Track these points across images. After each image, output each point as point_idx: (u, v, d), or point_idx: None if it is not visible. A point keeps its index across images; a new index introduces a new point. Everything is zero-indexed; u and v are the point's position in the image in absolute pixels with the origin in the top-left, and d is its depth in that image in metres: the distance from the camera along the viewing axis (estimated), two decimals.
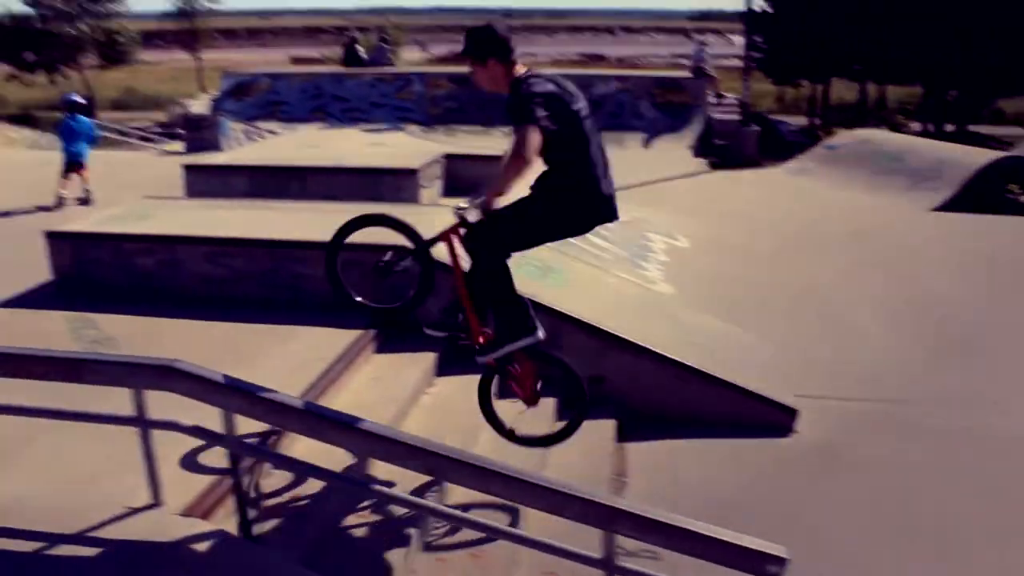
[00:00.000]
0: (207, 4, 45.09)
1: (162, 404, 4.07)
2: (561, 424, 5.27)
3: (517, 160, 4.17)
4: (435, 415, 6.04)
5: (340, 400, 5.78)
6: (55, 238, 7.46)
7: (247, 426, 4.21)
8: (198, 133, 16.64)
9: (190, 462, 4.47)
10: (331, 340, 6.29)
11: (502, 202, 4.38)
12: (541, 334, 4.73)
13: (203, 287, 7.11)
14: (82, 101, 13.16)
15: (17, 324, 6.76)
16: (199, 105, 25.61)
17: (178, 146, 18.26)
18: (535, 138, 4.18)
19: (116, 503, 4.17)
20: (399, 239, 4.88)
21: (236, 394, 3.91)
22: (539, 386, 5.04)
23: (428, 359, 6.59)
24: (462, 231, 4.68)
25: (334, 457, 4.55)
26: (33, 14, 40.77)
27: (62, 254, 7.41)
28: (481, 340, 4.84)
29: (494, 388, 5.19)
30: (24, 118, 31.39)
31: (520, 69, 4.51)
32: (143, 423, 4.07)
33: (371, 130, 16.41)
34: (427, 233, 4.80)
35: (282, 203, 8.54)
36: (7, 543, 3.90)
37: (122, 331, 6.47)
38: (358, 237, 4.91)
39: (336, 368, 5.99)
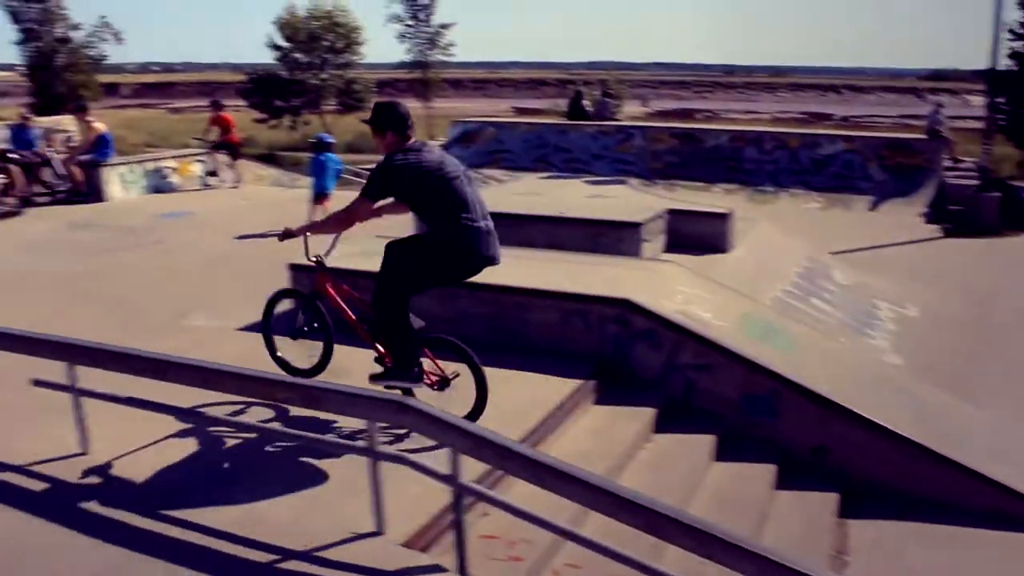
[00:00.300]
0: (440, 56, 47.22)
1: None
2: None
3: (341, 214, 5.58)
4: (652, 471, 5.97)
5: (557, 448, 5.82)
6: (297, 269, 7.98)
7: (467, 461, 4.31)
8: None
9: (413, 495, 4.61)
10: (552, 387, 6.37)
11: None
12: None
13: (430, 326, 7.38)
14: (332, 140, 14.26)
15: (259, 348, 7.26)
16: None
17: None
18: (364, 205, 5.35)
19: (341, 527, 4.38)
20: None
21: (464, 435, 4.02)
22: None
23: (647, 414, 6.55)
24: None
25: (553, 503, 4.58)
26: (281, 66, 44.31)
27: (303, 285, 7.91)
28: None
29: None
30: (269, 157, 33.92)
31: (409, 142, 5.34)
32: (373, 454, 4.25)
33: (593, 181, 16.55)
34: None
35: (507, 249, 8.74)
36: (246, 552, 4.17)
37: (353, 362, 6.82)
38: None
39: (555, 416, 6.05)
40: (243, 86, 45.77)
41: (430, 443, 4.45)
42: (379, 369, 5.67)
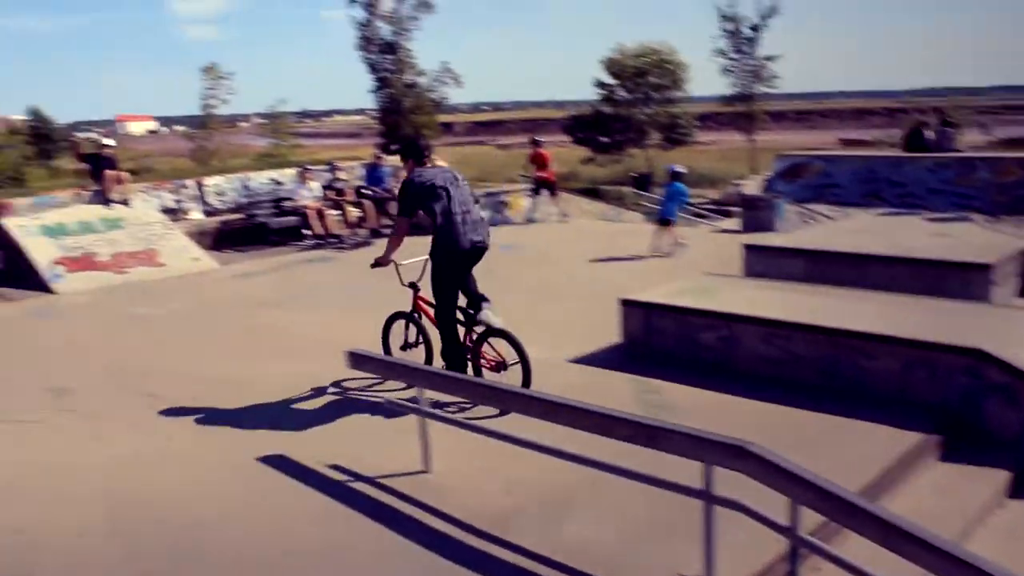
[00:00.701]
0: (764, 88, 46.23)
1: (723, 478, 4.11)
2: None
3: (393, 236, 7.47)
4: (1008, 540, 5.35)
5: (896, 505, 5.37)
6: (628, 305, 8.05)
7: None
8: (753, 213, 16.98)
9: (740, 541, 4.43)
10: (890, 439, 5.92)
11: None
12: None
13: (760, 366, 7.14)
14: (682, 170, 14.92)
15: (589, 380, 7.39)
16: (751, 185, 26.21)
17: (731, 223, 18.81)
18: (403, 221, 7.28)
19: (666, 566, 4.29)
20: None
21: (807, 486, 3.79)
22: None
23: (1001, 477, 5.89)
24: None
25: (891, 562, 4.20)
26: (605, 103, 45.52)
27: (633, 320, 7.97)
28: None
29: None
30: (593, 191, 34.84)
31: (426, 165, 7.25)
32: (708, 497, 4.13)
33: (933, 218, 15.35)
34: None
35: (842, 290, 8.30)
36: None
37: (681, 400, 6.73)
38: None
39: (894, 470, 5.61)
40: (567, 122, 47.53)
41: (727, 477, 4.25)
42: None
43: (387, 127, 43.82)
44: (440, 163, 7.63)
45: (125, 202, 15.63)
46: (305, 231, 16.18)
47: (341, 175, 17.73)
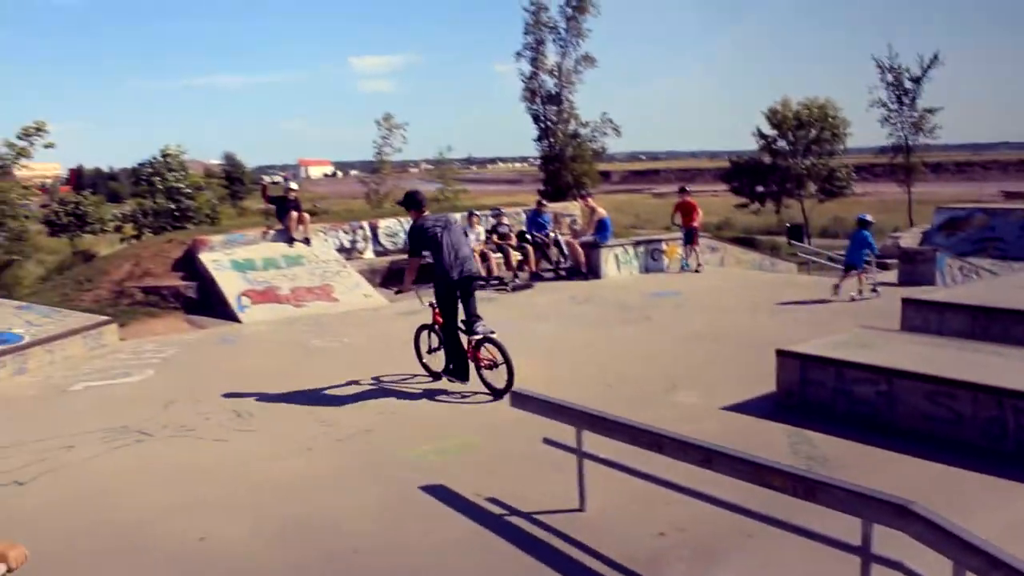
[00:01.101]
0: (923, 139, 44.40)
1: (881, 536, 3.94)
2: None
3: (408, 272, 9.25)
4: None
5: None
6: (784, 355, 7.84)
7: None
8: (911, 266, 16.26)
9: None
10: None
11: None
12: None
13: (920, 423, 6.80)
14: (870, 219, 14.88)
15: (742, 428, 7.23)
16: (909, 238, 25.13)
17: (887, 276, 18.06)
18: (413, 260, 9.16)
19: None
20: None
21: (975, 552, 3.58)
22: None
23: None
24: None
25: None
26: (763, 153, 44.77)
27: (788, 370, 7.75)
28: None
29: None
30: (747, 241, 34.20)
31: (423, 215, 9.03)
32: (867, 555, 3.97)
33: None
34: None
35: (1008, 348, 7.83)
36: None
37: (835, 454, 6.49)
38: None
39: None
40: (726, 170, 46.99)
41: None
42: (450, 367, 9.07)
43: (548, 175, 44.46)
44: (433, 215, 9.36)
45: (306, 241, 16.43)
46: None
47: (505, 220, 18.08)
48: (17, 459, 7.27)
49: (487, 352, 8.73)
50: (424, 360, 9.60)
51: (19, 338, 11.13)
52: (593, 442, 5.56)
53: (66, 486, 6.65)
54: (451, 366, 9.01)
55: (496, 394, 8.48)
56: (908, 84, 42.67)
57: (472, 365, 8.88)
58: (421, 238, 8.82)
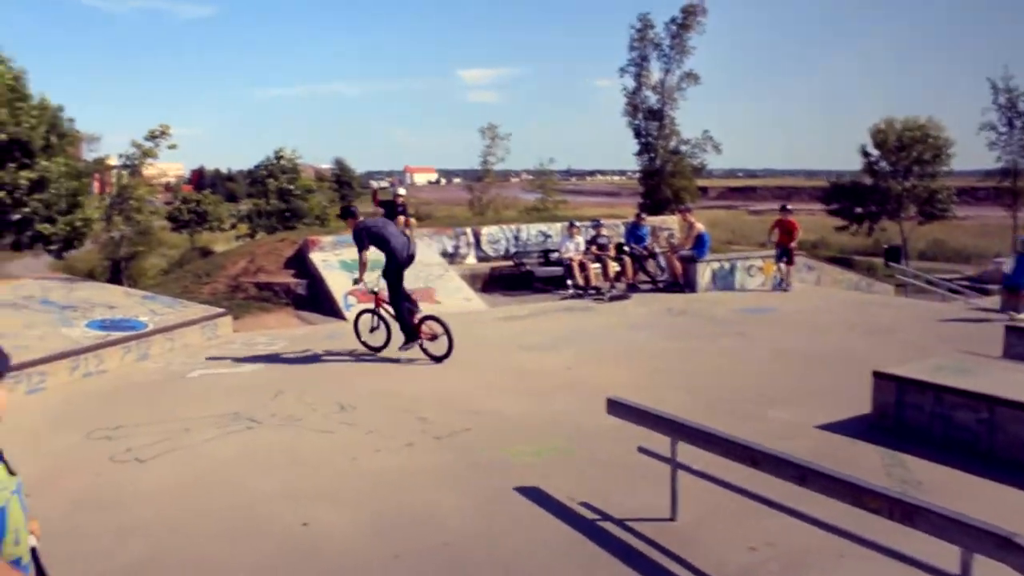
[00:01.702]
0: None
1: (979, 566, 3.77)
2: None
3: (360, 265, 10.64)
4: None
5: None
6: (881, 377, 7.57)
7: None
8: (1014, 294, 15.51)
9: None
10: None
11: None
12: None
13: (1020, 453, 6.48)
14: None
15: (835, 447, 7.01)
16: (1011, 263, 23.96)
17: (988, 302, 17.26)
18: (362, 254, 10.53)
19: None
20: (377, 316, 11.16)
21: None
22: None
23: None
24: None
25: None
26: (865, 173, 43.42)
27: (885, 393, 7.48)
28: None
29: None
30: (844, 261, 33.21)
31: (360, 219, 10.73)
32: None
33: None
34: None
35: None
36: None
37: (930, 479, 6.24)
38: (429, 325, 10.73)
39: None
40: (826, 190, 45.82)
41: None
42: (403, 340, 10.76)
43: (648, 189, 44.10)
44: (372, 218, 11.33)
45: None
46: (568, 281, 16.53)
47: (604, 232, 18.00)
48: (139, 439, 7.59)
49: (428, 327, 10.74)
50: (363, 339, 11.23)
51: (144, 326, 11.60)
52: (687, 453, 5.48)
53: (182, 466, 6.90)
54: (406, 336, 10.77)
55: (436, 360, 10.51)
56: (1022, 106, 40.73)
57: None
58: (370, 236, 10.60)
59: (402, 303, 10.68)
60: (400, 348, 10.75)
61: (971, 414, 6.81)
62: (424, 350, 10.68)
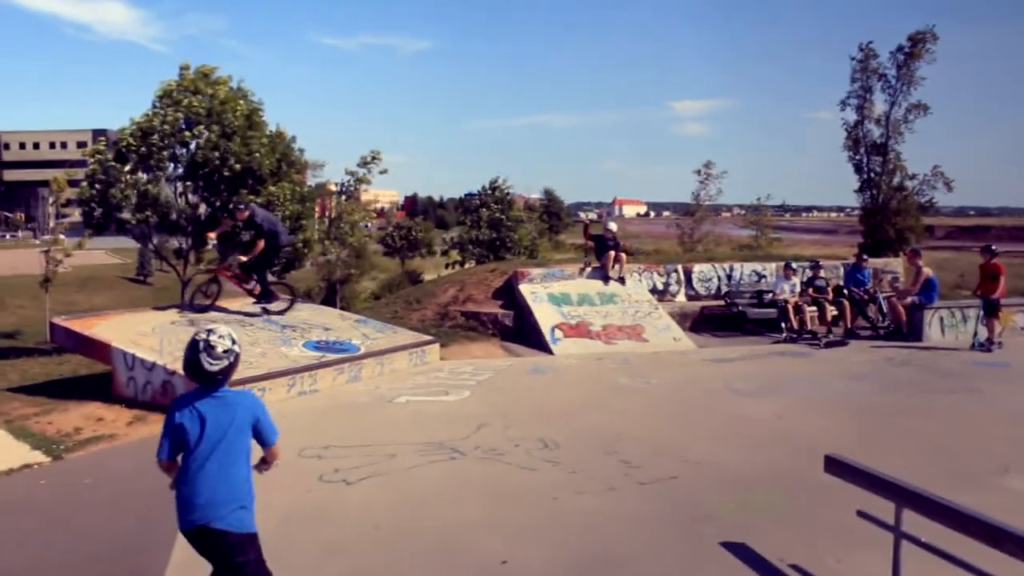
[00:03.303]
0: None
1: None
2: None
3: (259, 246, 12.92)
4: None
5: None
6: None
7: None
8: None
9: None
10: None
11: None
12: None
13: None
14: None
15: None
16: None
17: None
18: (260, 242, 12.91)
19: None
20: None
21: None
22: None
23: None
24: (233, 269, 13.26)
25: None
26: None
27: None
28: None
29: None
30: None
31: (246, 214, 13.08)
32: None
33: None
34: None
35: None
36: None
37: None
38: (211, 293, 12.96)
39: None
40: None
41: None
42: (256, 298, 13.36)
43: (868, 227, 41.79)
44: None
45: (622, 280, 16.64)
46: (782, 324, 15.92)
47: (822, 273, 17.24)
48: (347, 460, 7.93)
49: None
50: (196, 300, 12.88)
51: (356, 349, 12.15)
52: (912, 522, 5.08)
53: (387, 490, 7.14)
54: (266, 297, 13.28)
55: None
56: None
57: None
58: (261, 222, 12.85)
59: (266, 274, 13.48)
60: (261, 303, 13.24)
61: None
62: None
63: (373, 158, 33.69)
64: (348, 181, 34.32)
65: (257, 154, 24.81)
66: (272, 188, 25.34)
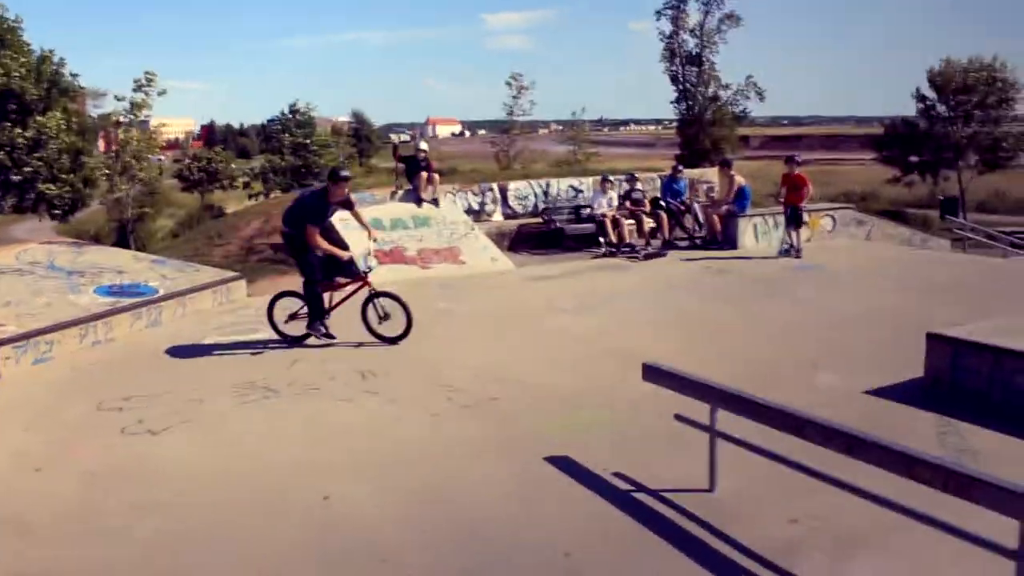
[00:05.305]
0: None
1: None
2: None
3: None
4: None
5: None
6: (935, 339, 7.51)
7: None
8: None
9: None
10: None
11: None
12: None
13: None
14: None
15: (885, 415, 6.98)
16: None
17: None
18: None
19: None
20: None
21: None
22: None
23: None
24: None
25: None
26: (922, 118, 42.64)
27: (939, 356, 7.42)
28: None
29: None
30: (896, 214, 32.79)
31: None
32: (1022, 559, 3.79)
33: None
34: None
35: None
36: None
37: (988, 447, 6.20)
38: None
39: None
40: (878, 138, 45.11)
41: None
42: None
43: (685, 139, 43.67)
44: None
45: (435, 202, 16.63)
46: (600, 238, 16.47)
47: (639, 186, 17.89)
48: (151, 410, 7.71)
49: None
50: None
51: (154, 291, 11.72)
52: (727, 421, 5.48)
53: (197, 438, 7.02)
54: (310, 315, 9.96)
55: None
56: None
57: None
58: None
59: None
60: (309, 327, 9.90)
61: None
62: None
63: (148, 80, 31.65)
64: (124, 110, 32.20)
65: (16, 75, 22.90)
66: (40, 118, 23.56)
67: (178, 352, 9.87)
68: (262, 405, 7.83)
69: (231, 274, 13.30)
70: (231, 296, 12.74)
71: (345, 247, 9.93)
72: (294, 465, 6.36)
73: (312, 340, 9.89)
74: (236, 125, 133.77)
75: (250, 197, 45.03)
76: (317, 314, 9.80)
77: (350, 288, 9.99)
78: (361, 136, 75.09)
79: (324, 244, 9.54)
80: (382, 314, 9.69)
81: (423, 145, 18.20)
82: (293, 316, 9.99)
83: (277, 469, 6.32)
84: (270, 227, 16.47)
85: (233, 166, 60.20)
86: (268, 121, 51.19)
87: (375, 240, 10.40)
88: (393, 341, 9.68)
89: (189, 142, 78.90)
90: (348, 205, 10.02)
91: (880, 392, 7.57)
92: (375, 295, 9.74)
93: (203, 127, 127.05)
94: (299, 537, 5.24)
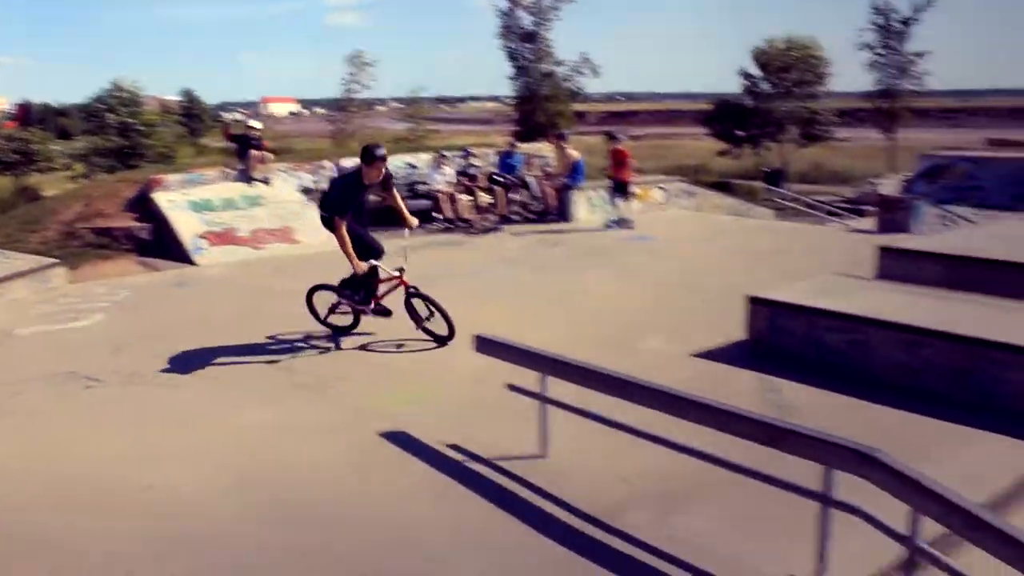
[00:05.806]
0: (910, 85, 44.41)
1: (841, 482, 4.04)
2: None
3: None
4: None
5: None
6: (755, 302, 7.92)
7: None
8: (890, 214, 16.41)
9: (858, 547, 4.31)
10: (1017, 454, 5.66)
11: None
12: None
13: (889, 372, 6.93)
14: None
15: (711, 376, 7.33)
16: (889, 185, 25.29)
17: (866, 223, 18.22)
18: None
19: (777, 566, 4.29)
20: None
21: (933, 497, 3.68)
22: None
23: None
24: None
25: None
26: (746, 95, 44.77)
27: (759, 318, 7.84)
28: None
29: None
30: (724, 185, 34.23)
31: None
32: (826, 501, 4.07)
33: None
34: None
35: (982, 298, 7.94)
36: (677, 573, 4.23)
37: (803, 401, 6.62)
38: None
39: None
40: (708, 113, 47.01)
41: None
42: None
43: (522, 115, 44.13)
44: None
45: (266, 181, 16.22)
46: (436, 215, 16.47)
47: (475, 161, 17.97)
48: None
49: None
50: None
51: None
52: (558, 388, 5.61)
53: (14, 434, 6.67)
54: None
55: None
56: (897, 26, 42.60)
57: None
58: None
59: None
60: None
61: (843, 336, 7.22)
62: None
63: None
64: None
65: None
66: None
67: None
68: (83, 396, 7.50)
69: (49, 260, 12.62)
70: (50, 283, 12.10)
71: (377, 250, 9.01)
72: (120, 457, 6.12)
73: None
74: (55, 104, 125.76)
75: (72, 180, 42.60)
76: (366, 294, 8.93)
77: (383, 288, 9.06)
78: (192, 115, 72.22)
79: (347, 246, 8.48)
80: (426, 314, 8.86)
81: (254, 123, 17.67)
82: (332, 309, 9.23)
83: (101, 460, 6.07)
84: (92, 211, 15.65)
85: (52, 147, 56.83)
86: (91, 100, 48.47)
87: (411, 229, 9.45)
88: (442, 341, 8.72)
89: (2, 122, 73.80)
90: (386, 187, 9.19)
91: (707, 355, 7.94)
92: (413, 295, 8.92)
93: (19, 106, 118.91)
94: (125, 527, 5.07)
